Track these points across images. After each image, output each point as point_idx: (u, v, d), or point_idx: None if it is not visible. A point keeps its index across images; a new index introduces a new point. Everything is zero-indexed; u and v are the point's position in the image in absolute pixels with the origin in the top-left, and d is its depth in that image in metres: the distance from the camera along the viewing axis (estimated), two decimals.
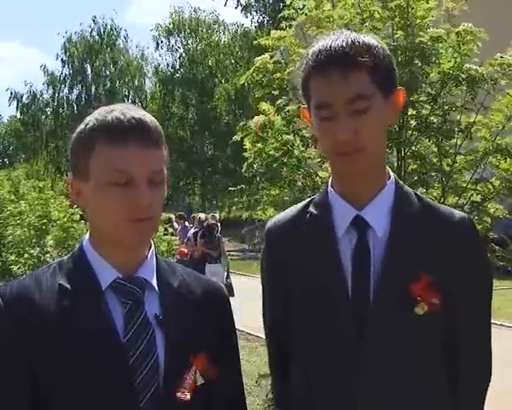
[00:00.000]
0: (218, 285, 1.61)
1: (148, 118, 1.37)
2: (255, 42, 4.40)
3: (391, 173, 1.59)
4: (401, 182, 1.61)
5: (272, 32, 4.06)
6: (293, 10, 3.98)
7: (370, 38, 1.49)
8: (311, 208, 1.61)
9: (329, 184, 1.61)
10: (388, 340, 1.46)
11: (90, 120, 1.37)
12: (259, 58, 4.04)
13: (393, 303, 1.46)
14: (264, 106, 4.01)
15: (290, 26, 4.03)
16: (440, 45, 3.61)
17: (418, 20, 3.60)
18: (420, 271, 1.46)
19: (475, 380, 1.62)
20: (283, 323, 1.60)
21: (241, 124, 4.11)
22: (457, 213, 1.59)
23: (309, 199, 1.66)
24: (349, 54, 1.43)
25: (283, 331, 1.61)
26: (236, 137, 4.13)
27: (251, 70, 4.11)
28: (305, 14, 3.91)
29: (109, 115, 1.35)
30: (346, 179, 1.55)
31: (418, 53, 3.60)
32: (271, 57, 4.11)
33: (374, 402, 1.46)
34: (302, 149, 3.98)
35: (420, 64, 3.63)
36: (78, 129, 1.39)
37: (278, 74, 4.01)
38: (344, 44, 1.44)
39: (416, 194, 1.60)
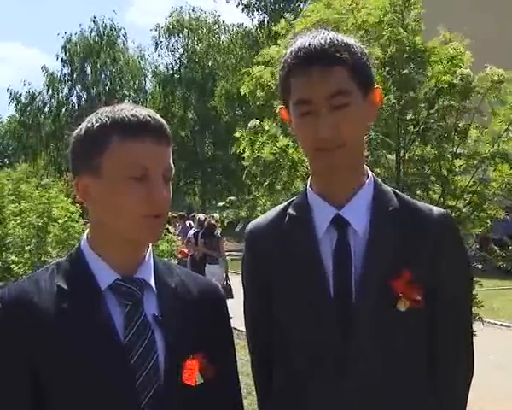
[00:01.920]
0: (215, 285, 1.62)
1: (159, 117, 1.39)
2: (255, 59, 4.45)
3: (369, 172, 1.60)
4: (379, 180, 1.62)
5: (272, 47, 4.12)
6: (287, 27, 4.03)
7: (349, 38, 1.51)
8: (291, 210, 1.61)
9: (308, 184, 1.61)
10: (372, 338, 1.46)
11: (99, 117, 1.37)
12: (256, 71, 4.09)
13: (376, 301, 1.47)
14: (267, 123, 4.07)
15: (284, 37, 4.08)
16: (433, 57, 3.66)
17: (412, 26, 3.65)
18: (401, 267, 1.47)
19: (459, 376, 1.61)
20: (266, 324, 1.59)
21: (239, 134, 4.16)
22: (437, 209, 1.60)
23: (288, 201, 1.66)
24: (328, 51, 1.44)
25: (267, 333, 1.60)
26: (238, 149, 4.17)
27: (247, 80, 4.15)
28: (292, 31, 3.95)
29: (122, 113, 1.36)
30: (325, 177, 1.55)
31: (412, 58, 3.62)
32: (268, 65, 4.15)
33: (359, 402, 1.45)
34: (297, 151, 4.01)
35: (415, 69, 3.66)
36: (84, 128, 1.39)
37: (273, 82, 4.05)
38: (323, 42, 1.45)
39: (394, 192, 1.60)
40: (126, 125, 1.34)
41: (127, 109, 1.37)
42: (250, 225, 1.68)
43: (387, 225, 1.52)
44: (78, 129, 1.40)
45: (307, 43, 1.46)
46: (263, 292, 1.59)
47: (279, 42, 4.11)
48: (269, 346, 1.60)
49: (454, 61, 3.66)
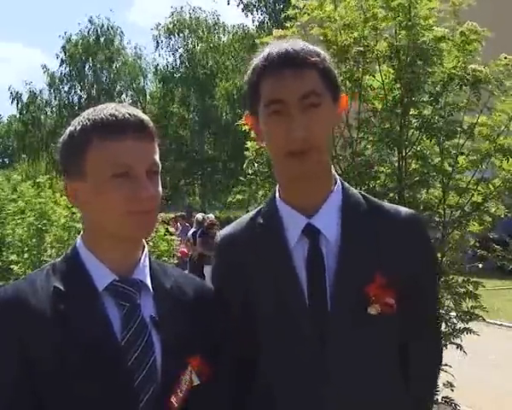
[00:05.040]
0: (209, 286, 1.62)
1: (141, 113, 1.39)
2: (257, 40, 4.42)
3: (336, 176, 1.60)
4: (346, 183, 1.62)
5: (274, 31, 4.08)
6: (296, 10, 3.98)
7: (316, 47, 1.55)
8: (260, 220, 1.60)
9: (276, 193, 1.60)
10: (349, 344, 1.47)
11: (80, 121, 1.38)
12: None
13: (350, 307, 1.47)
14: None
15: (292, 26, 4.05)
16: (443, 45, 3.61)
17: (421, 21, 3.60)
18: (374, 272, 1.47)
19: (430, 363, 1.68)
20: (241, 332, 1.56)
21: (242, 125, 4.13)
22: (404, 210, 1.61)
23: (256, 210, 1.66)
24: (300, 54, 1.48)
25: (241, 341, 1.57)
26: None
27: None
28: (308, 14, 3.91)
29: (102, 113, 1.36)
30: (294, 185, 1.54)
31: (420, 53, 3.59)
32: None
33: (340, 407, 1.46)
34: None
35: (422, 64, 3.63)
36: (68, 132, 1.40)
37: None
38: (295, 47, 1.49)
39: (362, 194, 1.61)
40: (105, 125, 1.34)
41: (107, 109, 1.37)
42: (221, 234, 1.67)
43: (358, 229, 1.53)
44: (64, 133, 1.41)
45: (278, 49, 1.49)
46: (237, 301, 1.57)
47: (287, 24, 4.07)
48: (244, 356, 1.56)
49: (466, 49, 3.60)
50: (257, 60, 1.53)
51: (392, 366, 1.53)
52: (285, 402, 1.50)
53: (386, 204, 1.66)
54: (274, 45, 1.52)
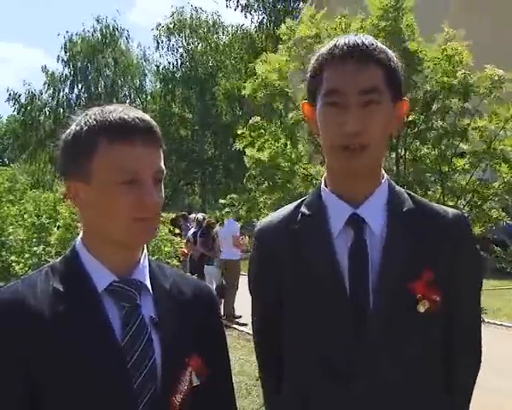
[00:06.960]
0: (207, 286, 1.62)
1: (149, 118, 1.37)
2: (251, 64, 4.52)
3: (384, 173, 1.59)
4: (393, 182, 1.61)
5: (269, 55, 4.17)
6: (290, 32, 4.07)
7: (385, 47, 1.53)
8: (303, 209, 1.59)
9: (322, 183, 1.60)
10: (388, 339, 1.45)
11: (87, 121, 1.35)
12: (263, 70, 4.12)
13: (393, 301, 1.45)
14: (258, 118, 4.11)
15: (288, 46, 4.14)
16: (428, 58, 3.67)
17: (407, 33, 3.67)
18: (419, 269, 1.46)
19: (468, 370, 1.63)
20: (274, 324, 1.58)
21: (239, 132, 4.18)
22: (451, 210, 1.59)
23: (300, 200, 1.64)
24: (367, 48, 1.45)
25: (276, 332, 1.59)
26: (238, 146, 4.20)
27: (254, 81, 4.18)
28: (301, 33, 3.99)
29: (110, 115, 1.33)
30: (344, 178, 1.53)
31: (406, 62, 3.63)
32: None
33: (371, 403, 1.44)
34: (295, 149, 4.03)
35: (408, 72, 3.67)
36: (73, 131, 1.36)
37: (280, 82, 4.08)
38: (363, 40, 1.46)
39: (407, 193, 1.59)
40: (114, 129, 1.31)
41: (116, 112, 1.34)
42: (259, 224, 1.66)
43: (404, 225, 1.51)
44: (68, 132, 1.38)
45: (346, 40, 1.47)
46: (272, 292, 1.57)
47: (280, 46, 4.13)
48: (278, 345, 1.59)
49: (453, 61, 3.66)
50: (323, 49, 1.51)
51: (431, 366, 1.50)
52: (314, 393, 1.49)
53: (433, 204, 1.63)
54: (341, 38, 1.49)
